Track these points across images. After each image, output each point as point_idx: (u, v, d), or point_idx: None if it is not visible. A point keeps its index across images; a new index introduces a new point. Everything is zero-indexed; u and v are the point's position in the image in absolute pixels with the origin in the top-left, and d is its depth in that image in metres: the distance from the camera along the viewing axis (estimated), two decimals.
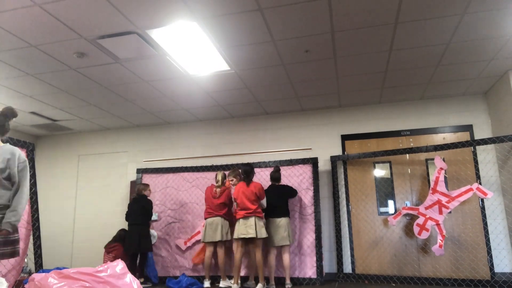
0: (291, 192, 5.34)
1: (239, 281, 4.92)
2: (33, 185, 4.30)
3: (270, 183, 5.40)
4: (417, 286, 5.12)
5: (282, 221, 5.02)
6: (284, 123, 6.59)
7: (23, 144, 4.29)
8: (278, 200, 5.11)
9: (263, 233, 4.82)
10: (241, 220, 4.88)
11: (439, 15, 3.68)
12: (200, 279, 5.46)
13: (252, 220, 4.81)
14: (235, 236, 4.91)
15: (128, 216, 5.70)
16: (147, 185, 5.92)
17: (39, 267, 4.33)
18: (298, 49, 4.29)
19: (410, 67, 4.86)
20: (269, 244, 5.06)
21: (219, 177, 5.45)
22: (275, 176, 5.30)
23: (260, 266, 4.85)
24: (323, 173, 6.06)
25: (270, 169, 5.84)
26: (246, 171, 5.09)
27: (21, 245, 4.04)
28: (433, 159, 5.35)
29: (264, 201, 5.01)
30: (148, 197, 5.81)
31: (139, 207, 5.64)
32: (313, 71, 4.91)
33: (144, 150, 7.19)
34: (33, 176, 4.32)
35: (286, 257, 5.05)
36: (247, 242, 4.97)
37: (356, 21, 3.75)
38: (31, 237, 4.27)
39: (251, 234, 4.75)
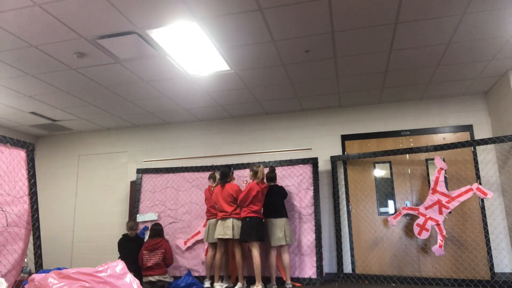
0: (285, 193, 5.36)
1: (220, 280, 5.15)
2: (33, 185, 4.30)
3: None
4: (417, 286, 5.13)
5: (278, 222, 5.02)
6: (284, 123, 6.59)
7: (23, 144, 4.28)
8: (275, 201, 5.11)
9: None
10: (219, 221, 5.03)
11: (439, 15, 3.68)
12: (201, 280, 5.46)
13: (229, 221, 4.93)
14: (214, 236, 5.06)
15: None
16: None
17: (39, 267, 4.33)
18: (298, 49, 4.28)
19: (410, 67, 4.86)
20: (266, 244, 5.07)
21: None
22: (271, 176, 5.30)
23: (239, 266, 4.97)
24: (323, 173, 6.06)
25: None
26: (223, 173, 5.25)
27: (21, 245, 4.04)
28: (433, 159, 5.35)
29: None
30: None
31: None
32: (313, 71, 4.91)
33: (144, 150, 7.19)
34: (33, 176, 4.31)
35: (285, 257, 5.06)
36: (226, 242, 5.13)
37: (356, 21, 3.75)
38: (31, 237, 4.26)
39: (228, 235, 4.88)
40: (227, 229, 4.91)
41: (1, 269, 3.79)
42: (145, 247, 5.33)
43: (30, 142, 4.41)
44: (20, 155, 4.23)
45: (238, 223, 4.95)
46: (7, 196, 3.98)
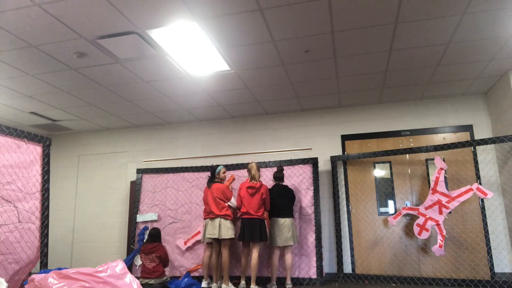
0: (294, 196, 5.32)
1: (218, 280, 5.12)
2: (46, 181, 4.20)
3: (269, 183, 5.39)
4: (417, 286, 5.12)
5: (286, 222, 5.02)
6: (284, 123, 6.59)
7: (40, 139, 4.19)
8: (282, 200, 5.11)
9: (227, 234, 4.92)
10: (209, 221, 5.07)
11: (439, 15, 3.68)
12: (200, 280, 5.46)
13: (217, 221, 4.97)
14: (205, 236, 5.07)
15: None
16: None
17: (44, 266, 4.29)
18: (298, 49, 4.28)
19: (410, 67, 4.86)
20: (272, 244, 5.05)
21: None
22: (279, 176, 5.30)
23: (226, 267, 4.95)
24: (323, 173, 6.06)
25: (270, 169, 5.87)
26: (210, 174, 5.36)
27: (36, 243, 4.04)
28: (433, 159, 5.35)
29: (232, 201, 5.08)
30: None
31: None
32: (313, 71, 4.91)
33: (144, 150, 7.19)
34: (47, 172, 4.23)
35: (288, 257, 5.04)
36: (219, 242, 5.13)
37: (356, 21, 3.75)
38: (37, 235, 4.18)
39: (214, 235, 4.92)
40: (215, 228, 4.95)
41: (15, 266, 3.78)
42: (142, 250, 5.39)
43: (47, 137, 4.32)
44: (36, 150, 4.16)
45: (226, 223, 4.96)
46: (19, 192, 3.92)
